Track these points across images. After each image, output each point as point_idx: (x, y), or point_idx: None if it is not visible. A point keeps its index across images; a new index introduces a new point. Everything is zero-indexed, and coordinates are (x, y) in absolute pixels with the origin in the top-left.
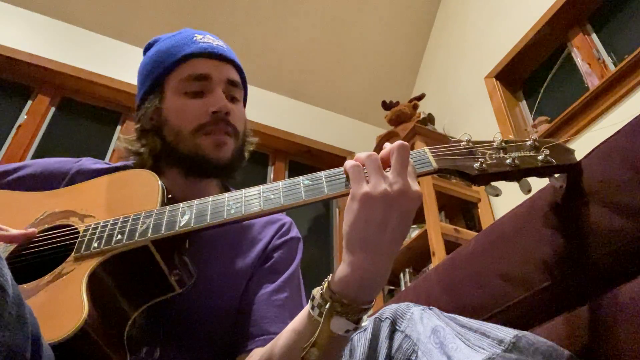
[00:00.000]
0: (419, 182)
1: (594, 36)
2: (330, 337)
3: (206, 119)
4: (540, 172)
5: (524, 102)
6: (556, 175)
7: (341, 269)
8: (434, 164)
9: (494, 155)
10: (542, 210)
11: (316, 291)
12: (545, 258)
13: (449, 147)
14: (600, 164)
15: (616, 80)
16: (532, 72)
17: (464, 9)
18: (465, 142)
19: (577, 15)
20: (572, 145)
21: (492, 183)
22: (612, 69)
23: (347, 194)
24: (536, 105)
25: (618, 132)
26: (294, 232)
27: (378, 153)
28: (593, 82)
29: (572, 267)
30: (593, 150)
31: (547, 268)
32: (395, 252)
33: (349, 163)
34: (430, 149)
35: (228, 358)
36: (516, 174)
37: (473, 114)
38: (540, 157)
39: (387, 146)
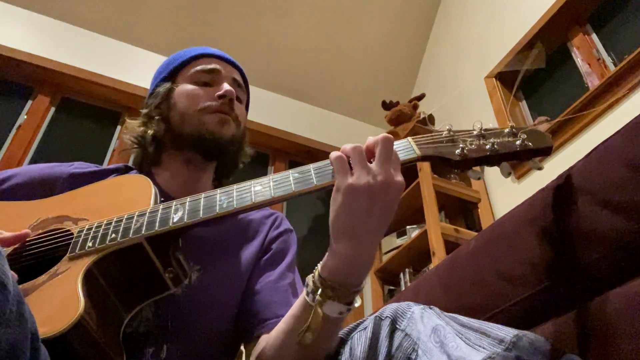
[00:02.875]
0: (408, 172)
1: (594, 36)
2: (323, 321)
3: (212, 101)
4: (519, 155)
5: (524, 102)
6: (535, 159)
7: (328, 257)
8: (417, 152)
9: (474, 142)
10: (541, 211)
11: (309, 278)
12: (545, 258)
13: (432, 136)
14: (599, 164)
15: (616, 80)
16: (532, 72)
17: (464, 9)
18: (446, 131)
19: (577, 15)
20: (571, 145)
21: (474, 168)
22: (612, 69)
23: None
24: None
25: (617, 132)
26: (287, 224)
27: None
28: (593, 82)
29: (572, 267)
30: (592, 150)
31: (547, 268)
32: (378, 239)
33: (334, 154)
34: (413, 138)
35: (231, 350)
36: (496, 158)
37: (473, 114)
38: (518, 142)
39: (371, 139)
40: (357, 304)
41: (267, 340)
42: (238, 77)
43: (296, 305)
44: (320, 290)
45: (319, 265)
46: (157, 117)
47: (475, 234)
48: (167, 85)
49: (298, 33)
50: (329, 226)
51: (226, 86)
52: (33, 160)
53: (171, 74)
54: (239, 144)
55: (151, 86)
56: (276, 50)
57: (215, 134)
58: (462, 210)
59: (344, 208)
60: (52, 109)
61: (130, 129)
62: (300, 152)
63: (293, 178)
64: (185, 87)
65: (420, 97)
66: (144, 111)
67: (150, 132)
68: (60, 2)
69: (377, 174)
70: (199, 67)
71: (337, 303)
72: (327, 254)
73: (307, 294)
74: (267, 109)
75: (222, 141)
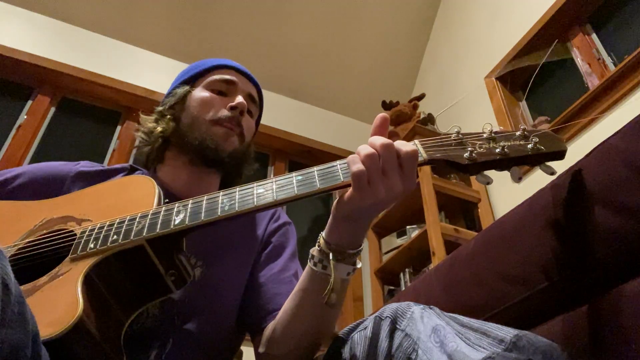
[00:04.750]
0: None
1: (594, 36)
2: (341, 280)
3: (223, 113)
4: (530, 160)
5: (524, 102)
6: (547, 163)
7: (333, 230)
8: (424, 155)
9: (483, 145)
10: (542, 210)
11: (314, 250)
12: (545, 258)
13: (439, 139)
14: (599, 164)
15: (616, 80)
16: (532, 72)
17: (464, 9)
18: (455, 134)
19: (577, 15)
20: (571, 145)
21: (483, 172)
22: (612, 69)
23: (338, 188)
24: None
25: (618, 132)
26: (285, 217)
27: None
28: (593, 82)
29: (571, 267)
30: (593, 150)
31: (547, 268)
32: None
33: (356, 168)
34: (420, 141)
35: (234, 343)
36: (506, 162)
37: (473, 114)
38: (529, 146)
39: (401, 148)
40: (359, 265)
41: (275, 321)
42: (254, 93)
43: (304, 281)
44: (331, 255)
45: (323, 235)
46: (168, 116)
47: (475, 234)
48: (186, 87)
49: (298, 33)
50: (334, 207)
51: (239, 98)
52: (33, 160)
53: (191, 79)
54: (240, 158)
55: (171, 87)
56: (276, 50)
57: (218, 146)
58: (462, 210)
59: (356, 213)
60: (52, 109)
61: (142, 123)
62: (300, 152)
63: (296, 181)
64: (200, 93)
65: (420, 97)
66: (159, 108)
67: (159, 129)
68: (60, 2)
69: (395, 189)
70: (217, 76)
71: (345, 264)
72: (330, 224)
73: (315, 265)
74: (267, 109)
75: (222, 153)
